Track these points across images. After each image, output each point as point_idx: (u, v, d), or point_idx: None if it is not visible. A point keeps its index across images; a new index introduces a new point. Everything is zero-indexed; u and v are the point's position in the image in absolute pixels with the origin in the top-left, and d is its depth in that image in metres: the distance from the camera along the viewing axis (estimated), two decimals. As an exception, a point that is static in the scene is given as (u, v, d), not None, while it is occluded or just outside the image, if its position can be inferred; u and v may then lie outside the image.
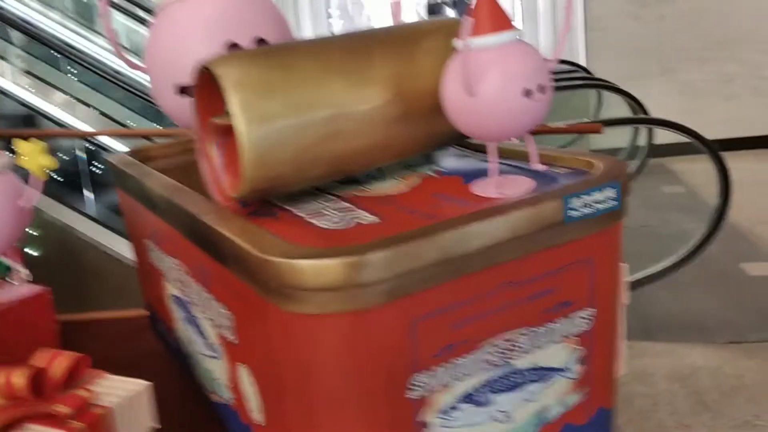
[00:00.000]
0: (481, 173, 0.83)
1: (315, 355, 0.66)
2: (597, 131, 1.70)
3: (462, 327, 0.69)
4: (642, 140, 4.77)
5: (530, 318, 0.73)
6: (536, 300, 0.73)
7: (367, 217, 0.77)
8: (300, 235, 0.73)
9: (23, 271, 1.02)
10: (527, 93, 0.74)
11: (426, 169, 0.92)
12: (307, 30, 5.87)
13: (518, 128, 0.77)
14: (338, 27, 6.42)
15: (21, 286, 1.03)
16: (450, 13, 5.80)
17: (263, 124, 0.77)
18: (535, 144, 0.83)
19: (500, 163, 0.91)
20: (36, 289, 1.04)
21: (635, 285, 2.83)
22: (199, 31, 1.00)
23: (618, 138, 4.75)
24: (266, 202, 0.86)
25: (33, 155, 0.90)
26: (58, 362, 0.93)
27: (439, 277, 0.66)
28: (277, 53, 0.82)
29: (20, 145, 0.91)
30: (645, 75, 5.70)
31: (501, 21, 0.75)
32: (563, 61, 4.76)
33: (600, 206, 0.73)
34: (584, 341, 0.79)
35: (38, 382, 0.90)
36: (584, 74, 4.85)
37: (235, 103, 0.76)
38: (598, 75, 4.97)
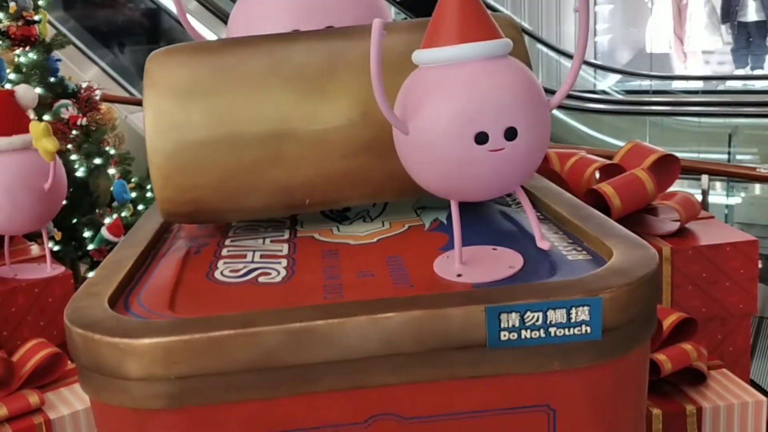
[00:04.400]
0: (486, 237, 0.59)
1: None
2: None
3: (304, 463, 0.48)
4: None
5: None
6: (443, 448, 0.49)
7: (277, 272, 0.59)
8: (168, 286, 0.57)
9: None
10: (481, 138, 0.48)
11: (432, 214, 0.69)
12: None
13: (475, 186, 0.51)
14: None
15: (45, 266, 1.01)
16: (751, 7, 4.67)
17: (176, 135, 0.62)
18: (532, 208, 0.55)
19: (510, 222, 0.65)
20: (60, 269, 1.01)
21: None
22: (270, 15, 0.89)
23: None
24: (225, 226, 0.71)
25: (37, 137, 0.85)
26: (34, 356, 0.88)
27: (263, 389, 0.46)
28: (218, 49, 0.65)
29: (31, 126, 0.87)
30: None
31: (468, 26, 0.50)
32: None
33: (558, 332, 0.46)
34: None
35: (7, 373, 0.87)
36: None
37: (146, 106, 0.62)
38: None
